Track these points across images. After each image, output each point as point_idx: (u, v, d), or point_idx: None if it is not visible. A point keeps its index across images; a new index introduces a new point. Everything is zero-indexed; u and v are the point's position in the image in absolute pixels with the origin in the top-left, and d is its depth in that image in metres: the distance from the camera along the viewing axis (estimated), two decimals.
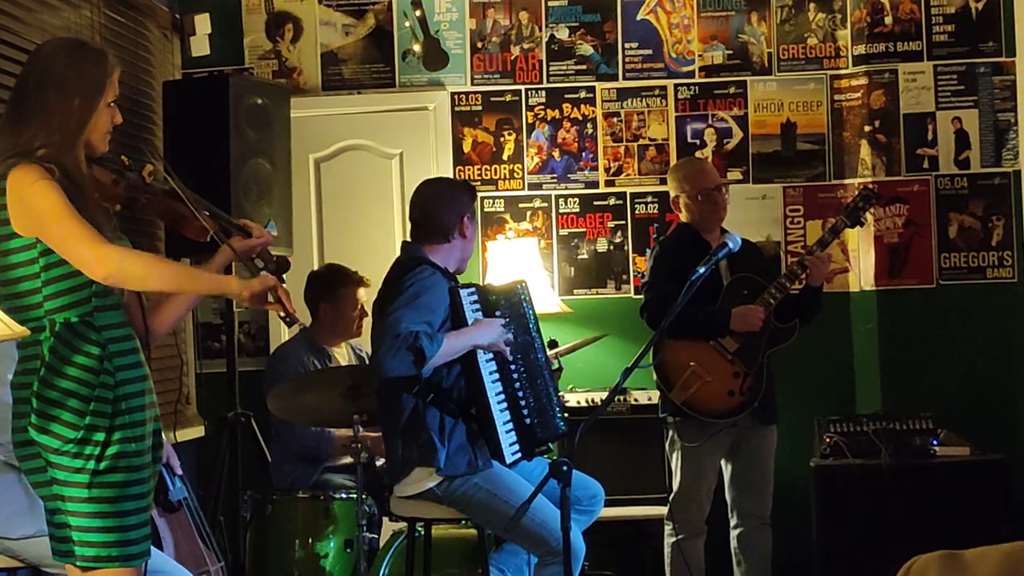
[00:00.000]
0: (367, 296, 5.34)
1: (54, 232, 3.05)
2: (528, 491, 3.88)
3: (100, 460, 3.05)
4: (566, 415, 4.54)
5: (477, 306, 4.27)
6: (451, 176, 6.05)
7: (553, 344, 5.14)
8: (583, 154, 6.28)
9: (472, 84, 6.31)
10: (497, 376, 4.25)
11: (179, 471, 4.45)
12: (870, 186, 5.53)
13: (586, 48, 6.29)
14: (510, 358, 4.28)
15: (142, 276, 3.10)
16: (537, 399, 4.36)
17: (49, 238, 3.06)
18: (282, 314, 3.23)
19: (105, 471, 3.05)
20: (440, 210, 4.37)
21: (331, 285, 5.47)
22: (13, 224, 3.09)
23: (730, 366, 5.08)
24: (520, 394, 4.29)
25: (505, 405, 4.25)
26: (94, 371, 3.08)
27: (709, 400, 5.07)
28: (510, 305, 4.40)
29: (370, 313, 4.73)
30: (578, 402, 5.74)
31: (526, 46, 6.30)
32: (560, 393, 4.60)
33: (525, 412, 4.28)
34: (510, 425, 4.24)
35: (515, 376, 4.29)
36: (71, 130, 3.13)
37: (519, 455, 4.26)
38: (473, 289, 4.33)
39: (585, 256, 6.28)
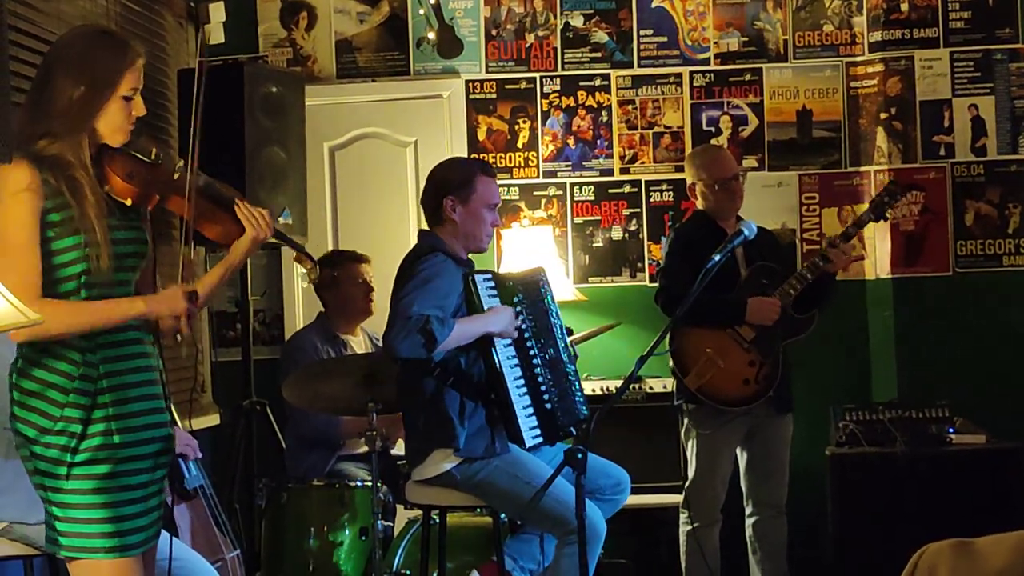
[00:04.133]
0: (373, 272, 5.39)
1: (3, 256, 2.97)
2: (547, 473, 3.88)
3: (76, 452, 3.00)
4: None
5: (494, 292, 4.28)
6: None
7: (568, 332, 5.13)
8: (598, 142, 6.27)
9: (487, 72, 6.30)
10: (516, 361, 4.26)
11: (193, 458, 4.45)
12: (896, 180, 5.50)
13: (601, 35, 6.28)
14: (529, 344, 4.28)
15: (57, 331, 2.98)
16: (558, 384, 4.35)
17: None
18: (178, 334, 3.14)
19: (84, 463, 3.00)
20: (426, 195, 4.41)
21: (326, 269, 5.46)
22: None
23: (746, 354, 5.07)
24: (540, 379, 4.29)
25: (525, 389, 4.25)
26: (75, 363, 3.03)
27: (724, 388, 5.06)
28: (528, 292, 4.40)
29: (376, 288, 4.94)
30: (593, 390, 5.73)
31: (541, 33, 6.29)
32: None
33: (546, 397, 4.28)
34: (530, 409, 4.25)
35: (536, 361, 4.29)
36: (74, 120, 3.05)
37: (540, 439, 4.26)
38: (490, 275, 4.33)
39: (600, 244, 6.27)
